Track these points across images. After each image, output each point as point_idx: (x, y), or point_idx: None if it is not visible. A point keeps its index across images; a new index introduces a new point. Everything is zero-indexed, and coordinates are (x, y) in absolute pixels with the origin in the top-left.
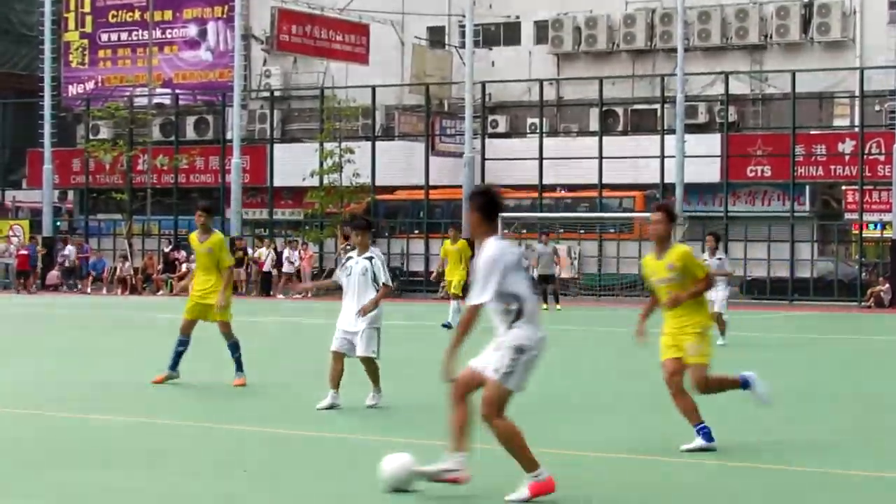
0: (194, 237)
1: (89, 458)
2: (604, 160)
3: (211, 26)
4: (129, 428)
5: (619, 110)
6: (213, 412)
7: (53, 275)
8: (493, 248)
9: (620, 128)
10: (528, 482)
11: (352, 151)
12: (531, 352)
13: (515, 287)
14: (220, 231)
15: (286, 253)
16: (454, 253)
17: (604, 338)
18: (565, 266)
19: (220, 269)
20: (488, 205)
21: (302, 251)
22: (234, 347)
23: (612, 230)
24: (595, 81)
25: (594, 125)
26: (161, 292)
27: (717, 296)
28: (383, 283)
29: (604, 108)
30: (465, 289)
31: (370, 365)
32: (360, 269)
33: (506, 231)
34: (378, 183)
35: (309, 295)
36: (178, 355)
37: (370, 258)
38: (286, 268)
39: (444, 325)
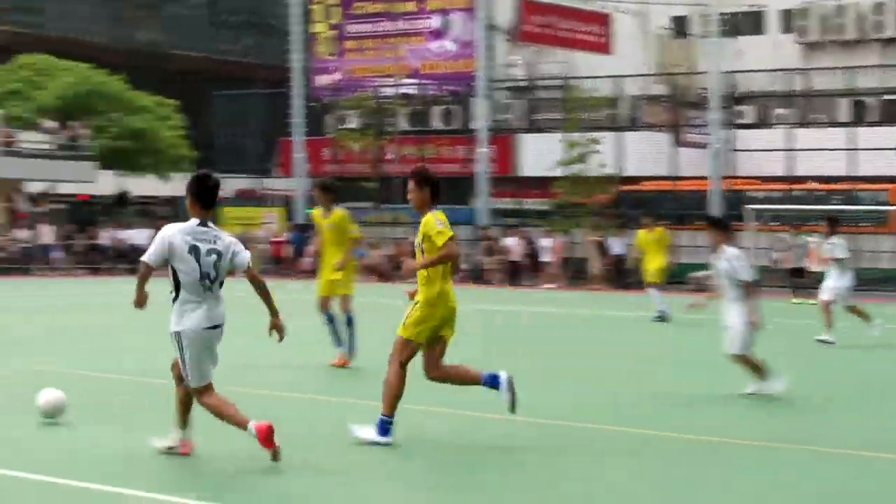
0: (317, 214)
1: None
2: (856, 152)
3: (454, 17)
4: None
5: (871, 100)
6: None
7: (307, 262)
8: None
9: (872, 118)
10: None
11: (597, 142)
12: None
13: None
14: (447, 217)
15: (542, 242)
16: (652, 242)
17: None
18: (817, 260)
19: (347, 243)
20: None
21: (550, 240)
22: (350, 322)
23: (865, 223)
24: (843, 71)
25: (844, 115)
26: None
27: (830, 284)
28: (745, 281)
29: (854, 99)
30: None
31: (738, 360)
32: (722, 269)
33: (756, 223)
34: (625, 173)
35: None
36: (334, 333)
37: (728, 258)
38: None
39: (657, 318)
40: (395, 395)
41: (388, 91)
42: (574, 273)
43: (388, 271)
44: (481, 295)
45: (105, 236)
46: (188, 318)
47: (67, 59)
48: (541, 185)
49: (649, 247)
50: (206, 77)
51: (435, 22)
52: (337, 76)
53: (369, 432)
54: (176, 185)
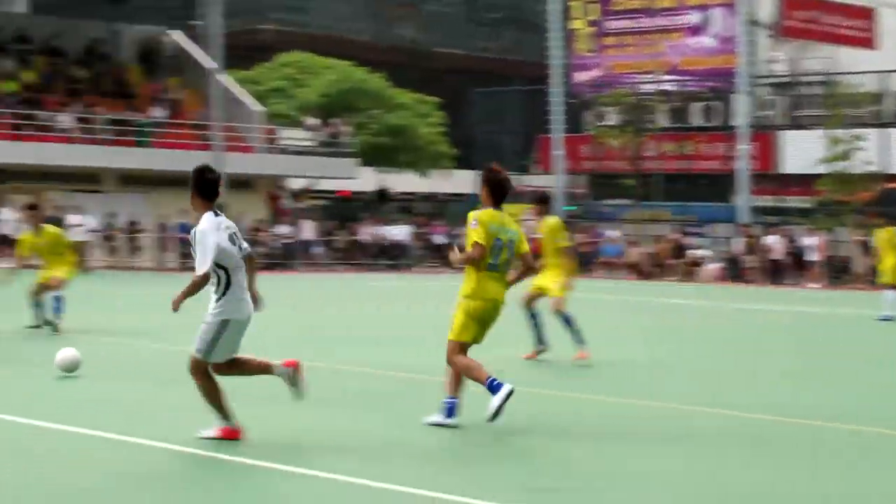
0: (542, 224)
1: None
2: None
3: (714, 13)
4: (640, 409)
5: None
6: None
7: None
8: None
9: None
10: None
11: (861, 139)
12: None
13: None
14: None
15: (805, 241)
16: (886, 240)
17: None
18: None
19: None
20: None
21: (814, 238)
22: (567, 321)
23: None
24: None
25: None
26: (672, 277)
27: None
28: None
29: None
30: None
31: None
32: None
33: None
34: (889, 171)
35: None
36: (536, 328)
37: None
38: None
39: (883, 319)
40: (466, 376)
41: (647, 87)
42: (837, 272)
43: (648, 269)
44: (741, 294)
45: (365, 232)
46: (242, 308)
47: (330, 58)
48: (803, 182)
49: (886, 245)
50: (465, 74)
51: (694, 18)
52: (596, 73)
53: (437, 417)
54: (435, 182)
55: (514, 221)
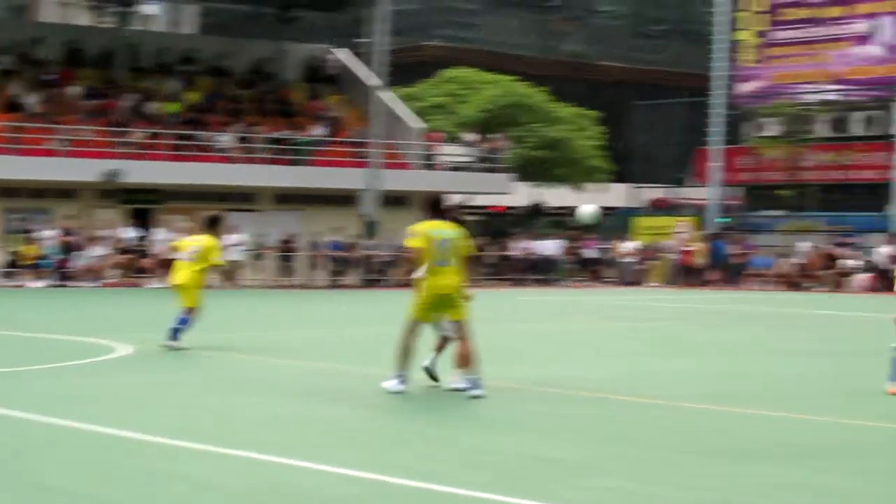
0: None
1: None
2: None
3: (883, 21)
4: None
5: None
6: None
7: (714, 271)
8: None
9: None
10: None
11: None
12: None
13: None
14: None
15: None
16: None
17: None
18: None
19: None
20: None
21: None
22: None
23: None
24: None
25: None
26: (823, 288)
27: None
28: None
29: None
30: None
31: None
32: None
33: None
34: None
35: None
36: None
37: None
38: None
39: None
40: (397, 350)
41: (809, 98)
42: None
43: (797, 280)
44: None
45: (517, 247)
46: None
47: (494, 73)
48: None
49: None
50: (628, 87)
51: (862, 26)
52: (758, 83)
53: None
54: (590, 196)
55: (453, 227)
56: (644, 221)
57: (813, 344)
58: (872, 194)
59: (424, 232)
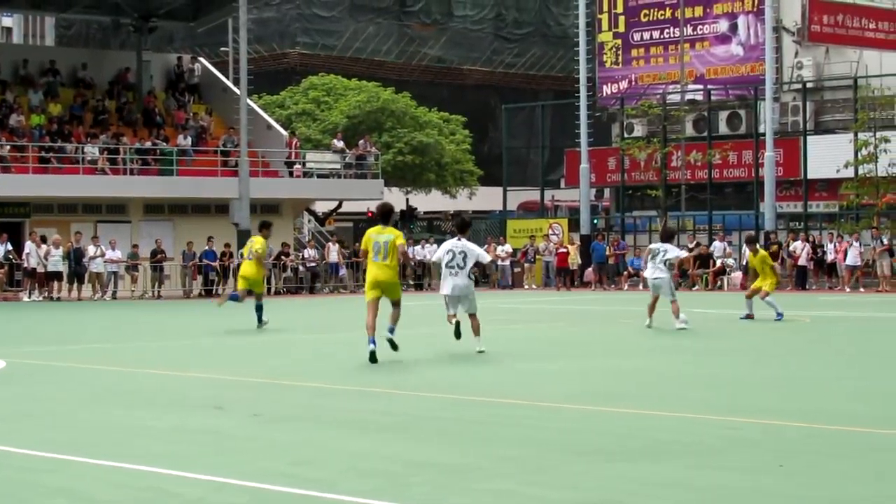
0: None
1: (636, 452)
2: None
3: (742, 20)
4: (664, 421)
5: None
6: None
7: (591, 272)
8: None
9: None
10: None
11: (887, 140)
12: None
13: None
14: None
15: (829, 246)
16: None
17: None
18: None
19: None
20: None
21: (837, 243)
22: None
23: None
24: None
25: None
26: (696, 287)
27: None
28: None
29: None
30: None
31: None
32: None
33: None
34: None
35: None
36: None
37: None
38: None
39: None
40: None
41: (674, 98)
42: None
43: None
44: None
45: None
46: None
47: (356, 79)
48: (829, 187)
49: None
50: (493, 91)
51: (722, 26)
52: (622, 85)
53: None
54: (461, 201)
55: (392, 230)
56: (517, 224)
57: (689, 342)
58: (742, 192)
59: (369, 234)
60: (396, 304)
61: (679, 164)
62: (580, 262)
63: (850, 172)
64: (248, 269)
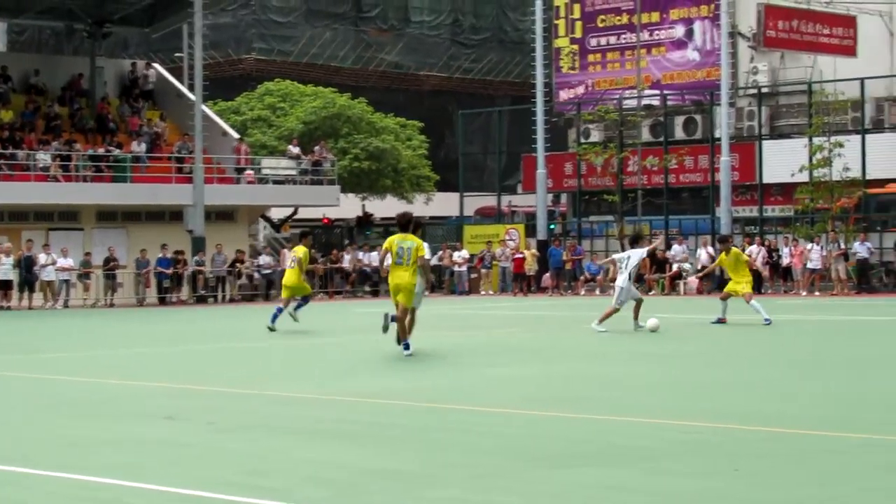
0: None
1: (584, 457)
2: None
3: (698, 25)
4: (622, 426)
5: None
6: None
7: (548, 278)
8: None
9: None
10: None
11: (841, 145)
12: None
13: None
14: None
15: (784, 250)
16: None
17: None
18: None
19: None
20: None
21: (793, 247)
22: None
23: None
24: None
25: None
26: (653, 292)
27: None
28: None
29: None
30: None
31: None
32: None
33: None
34: (869, 176)
35: None
36: None
37: None
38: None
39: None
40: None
41: (631, 103)
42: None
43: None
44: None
45: (347, 259)
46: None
47: (312, 85)
48: (784, 191)
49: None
50: (449, 96)
51: (678, 31)
52: (579, 90)
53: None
54: (418, 207)
55: (415, 238)
56: (474, 230)
57: (645, 346)
58: (697, 196)
59: (392, 239)
60: (405, 311)
61: (635, 169)
62: (537, 267)
63: (805, 177)
64: (290, 277)
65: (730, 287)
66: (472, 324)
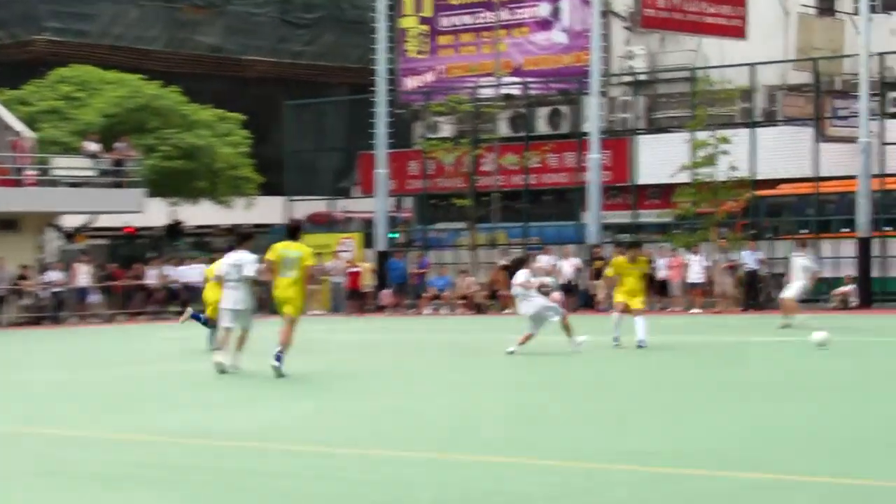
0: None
1: None
2: None
3: (565, 3)
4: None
5: None
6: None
7: (388, 294)
8: None
9: None
10: None
11: (728, 141)
12: None
13: None
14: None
15: (660, 262)
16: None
17: None
18: None
19: None
20: None
21: (670, 258)
22: None
23: None
24: None
25: None
26: (507, 311)
27: None
28: None
29: None
30: None
31: None
32: None
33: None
34: (759, 176)
35: None
36: None
37: None
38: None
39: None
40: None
41: (487, 92)
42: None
43: (482, 302)
44: (591, 325)
45: (153, 275)
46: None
47: (116, 71)
48: (662, 193)
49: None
50: (277, 84)
51: (543, 10)
52: (428, 77)
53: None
54: (237, 212)
55: (302, 247)
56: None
57: (500, 374)
58: (563, 200)
59: (276, 249)
60: (292, 322)
61: (492, 168)
62: (375, 283)
63: (686, 177)
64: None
65: (623, 299)
66: (296, 349)
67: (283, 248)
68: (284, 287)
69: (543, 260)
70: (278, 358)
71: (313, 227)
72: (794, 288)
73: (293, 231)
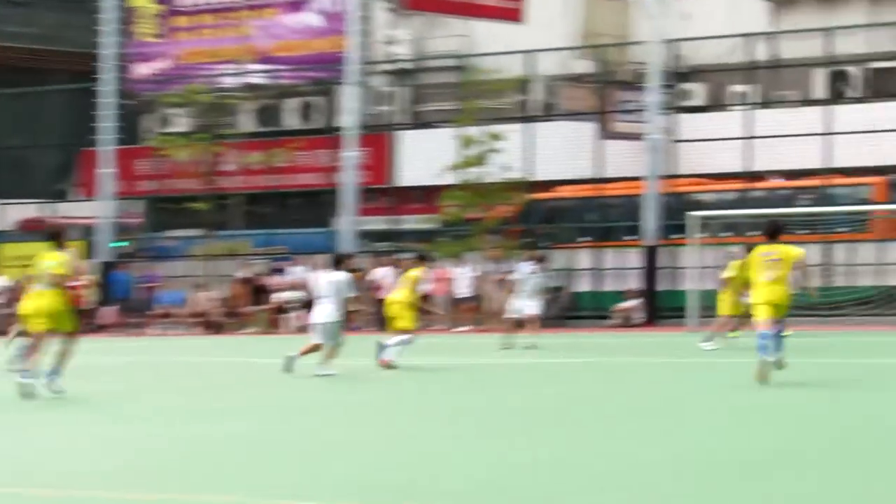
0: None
1: None
2: (833, 136)
3: None
4: None
5: (854, 70)
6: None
7: (111, 312)
8: None
9: (855, 93)
10: None
11: (501, 137)
12: None
13: None
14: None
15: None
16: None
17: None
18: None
19: None
20: None
21: (433, 270)
22: None
23: (842, 229)
24: (820, 34)
25: (820, 91)
26: (250, 329)
27: None
28: None
29: (833, 69)
30: None
31: None
32: None
33: (704, 235)
34: (535, 177)
35: None
36: None
37: None
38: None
39: None
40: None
41: (230, 81)
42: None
43: (219, 320)
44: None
45: None
46: None
47: None
48: (426, 196)
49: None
50: None
51: None
52: (161, 63)
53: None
54: None
55: (57, 255)
56: (14, 249)
57: (237, 401)
58: (313, 204)
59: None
60: (70, 336)
61: (234, 167)
62: (96, 298)
63: (454, 178)
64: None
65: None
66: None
67: (42, 259)
68: (37, 300)
69: (296, 271)
70: (50, 375)
71: (28, 234)
72: (531, 305)
73: (56, 237)
